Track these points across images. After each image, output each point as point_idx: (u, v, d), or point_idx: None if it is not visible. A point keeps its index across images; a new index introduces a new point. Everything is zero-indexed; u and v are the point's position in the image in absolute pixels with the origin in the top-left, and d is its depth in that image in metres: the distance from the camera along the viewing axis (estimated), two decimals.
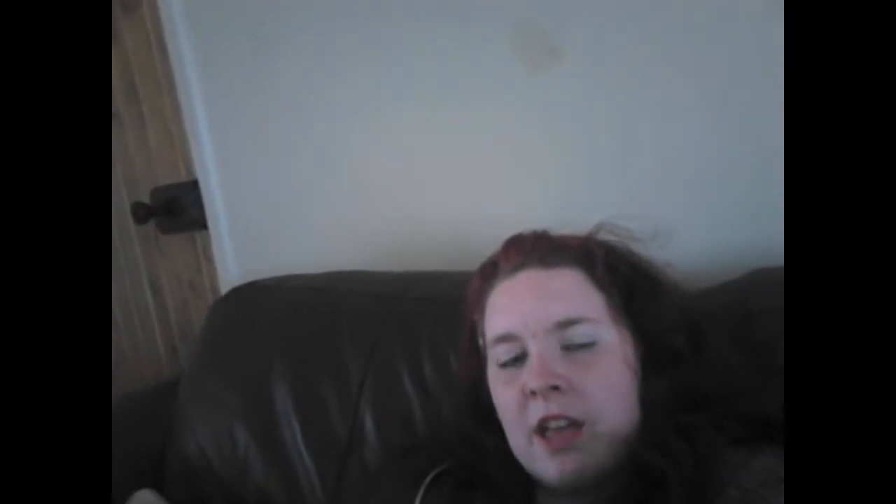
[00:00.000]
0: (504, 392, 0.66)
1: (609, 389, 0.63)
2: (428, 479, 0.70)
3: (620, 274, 0.68)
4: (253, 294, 1.06)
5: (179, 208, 1.32)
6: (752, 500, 0.55)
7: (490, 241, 0.74)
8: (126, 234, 1.41)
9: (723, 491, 0.57)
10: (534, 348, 0.64)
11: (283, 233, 1.17)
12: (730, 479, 0.57)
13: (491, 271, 0.71)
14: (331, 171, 1.11)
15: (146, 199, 1.35)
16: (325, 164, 1.11)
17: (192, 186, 1.28)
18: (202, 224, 1.28)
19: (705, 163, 0.87)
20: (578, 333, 0.64)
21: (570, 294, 0.66)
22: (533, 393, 0.62)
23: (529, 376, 0.63)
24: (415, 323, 0.91)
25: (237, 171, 1.22)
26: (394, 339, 0.91)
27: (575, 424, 0.62)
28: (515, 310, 0.67)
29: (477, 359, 0.71)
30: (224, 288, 1.20)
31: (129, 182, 1.39)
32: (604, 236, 0.72)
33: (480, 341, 0.71)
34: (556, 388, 0.62)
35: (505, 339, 0.67)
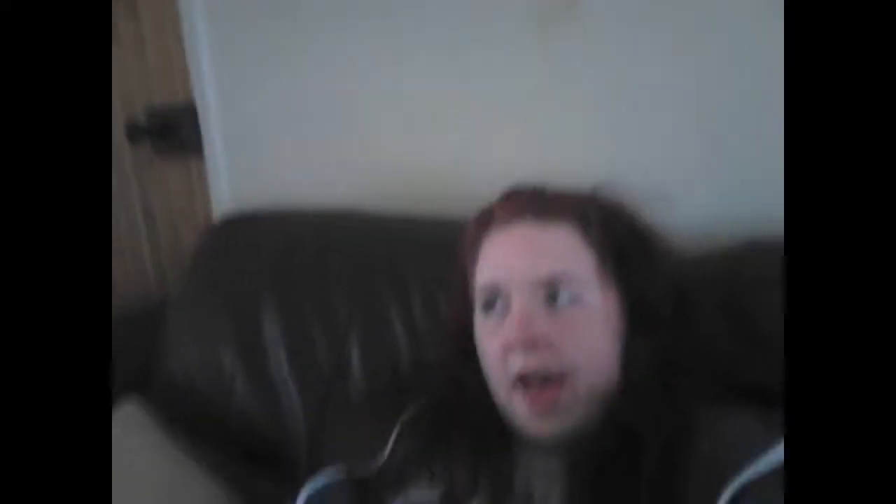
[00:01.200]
0: (488, 341, 0.68)
1: (589, 348, 0.65)
2: (408, 414, 0.72)
3: (615, 235, 0.68)
4: (246, 223, 1.06)
5: (175, 131, 1.30)
6: (723, 455, 0.57)
7: (488, 188, 0.73)
8: (119, 155, 1.39)
9: (696, 447, 0.59)
10: (517, 302, 0.65)
11: (281, 164, 1.16)
12: (704, 435, 0.59)
13: (486, 220, 0.71)
14: (333, 105, 1.09)
15: (141, 120, 1.32)
16: (328, 99, 1.09)
17: (190, 110, 1.26)
18: (198, 149, 1.26)
19: (707, 130, 0.86)
20: (564, 290, 0.65)
21: (561, 251, 0.67)
22: (513, 346, 0.64)
23: (510, 329, 0.64)
24: (407, 265, 0.91)
25: (236, 98, 1.19)
26: (385, 279, 0.91)
27: (554, 378, 0.63)
28: (504, 262, 0.68)
29: (466, 304, 0.72)
30: (218, 216, 1.19)
31: (125, 102, 1.36)
32: (602, 196, 0.72)
33: (470, 288, 0.72)
34: (535, 343, 0.63)
35: (491, 288, 0.67)
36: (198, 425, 0.94)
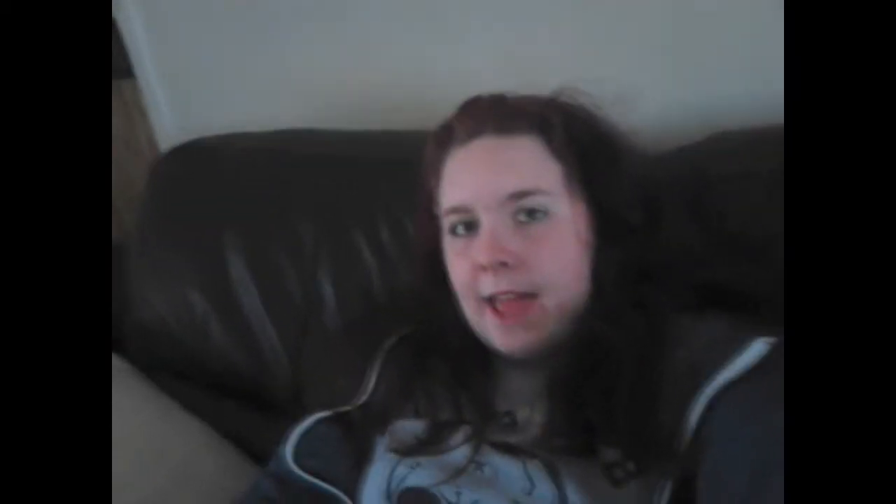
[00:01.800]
0: (457, 262, 0.67)
1: (559, 263, 0.64)
2: (387, 346, 0.72)
3: (579, 143, 0.66)
4: (197, 153, 1.00)
5: None
6: (697, 360, 0.58)
7: (445, 99, 0.70)
8: None
9: (669, 355, 0.60)
10: (485, 222, 0.64)
11: (223, 85, 1.08)
12: (677, 343, 0.60)
13: (446, 136, 0.69)
14: (275, 18, 1.01)
15: None
16: (269, 8, 1.01)
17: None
18: (127, 71, 1.18)
19: (665, 21, 0.83)
20: (531, 206, 0.64)
21: (526, 164, 0.65)
22: (483, 267, 0.63)
23: (479, 250, 0.63)
24: (369, 187, 0.88)
25: (163, 13, 1.10)
26: (349, 204, 0.89)
27: (525, 296, 0.63)
28: (469, 181, 0.66)
29: (433, 226, 0.71)
30: (163, 145, 1.13)
31: None
32: (564, 100, 0.70)
33: (436, 209, 0.70)
34: (505, 263, 0.63)
35: (458, 210, 0.66)
36: (178, 369, 0.93)
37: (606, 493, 0.57)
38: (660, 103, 0.81)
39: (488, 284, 0.63)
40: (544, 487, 0.59)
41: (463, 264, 0.66)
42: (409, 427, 0.66)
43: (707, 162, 0.76)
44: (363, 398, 0.69)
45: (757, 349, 0.57)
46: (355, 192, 0.89)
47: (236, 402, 0.92)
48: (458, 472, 0.61)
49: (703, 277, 0.65)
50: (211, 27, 1.06)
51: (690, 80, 0.84)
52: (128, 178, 1.27)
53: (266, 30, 1.02)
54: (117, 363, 0.93)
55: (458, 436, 0.64)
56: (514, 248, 0.63)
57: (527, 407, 0.64)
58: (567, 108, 0.69)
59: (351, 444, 0.67)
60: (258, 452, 0.84)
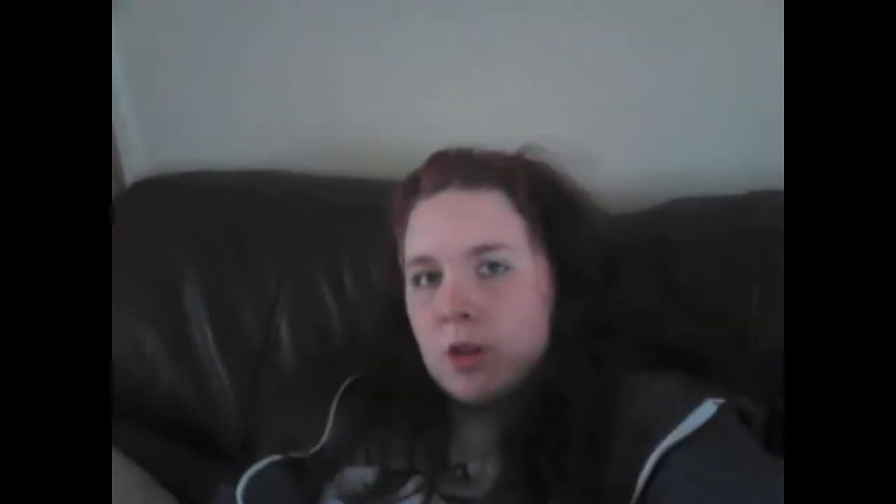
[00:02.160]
0: (419, 313, 0.67)
1: (518, 317, 0.65)
2: (343, 388, 0.71)
3: (542, 199, 0.68)
4: (160, 188, 1.00)
5: None
6: (649, 418, 0.58)
7: (415, 150, 0.71)
8: None
9: (622, 413, 0.60)
10: (449, 274, 0.65)
11: (197, 123, 1.08)
12: (631, 399, 0.61)
13: (413, 187, 0.70)
14: (252, 60, 1.02)
15: None
16: (246, 54, 1.03)
17: None
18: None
19: (634, 86, 0.86)
20: (494, 259, 0.65)
21: (489, 219, 0.66)
22: (445, 318, 0.63)
23: (442, 301, 0.64)
24: (336, 227, 0.89)
25: (143, 52, 1.11)
26: (313, 246, 0.89)
27: (481, 349, 0.64)
28: (433, 232, 0.67)
29: (397, 275, 0.71)
30: (130, 180, 1.12)
31: None
32: (529, 157, 0.72)
33: (400, 259, 0.70)
34: (466, 315, 0.63)
35: (421, 260, 0.67)
36: (121, 407, 0.90)
37: None
38: (622, 167, 0.84)
39: (449, 335, 0.64)
40: None
41: (425, 315, 0.66)
42: (360, 474, 0.65)
43: (666, 226, 0.78)
44: (317, 445, 0.67)
45: (706, 410, 0.57)
46: (321, 236, 0.89)
47: (182, 445, 0.89)
48: None
49: (659, 337, 0.67)
50: (188, 66, 1.07)
51: (653, 145, 0.87)
52: None
53: (244, 72, 1.04)
54: None
55: (409, 486, 0.63)
56: (475, 300, 0.64)
57: (480, 460, 0.64)
58: (532, 165, 0.71)
59: (300, 490, 0.66)
60: (196, 499, 0.81)
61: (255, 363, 0.88)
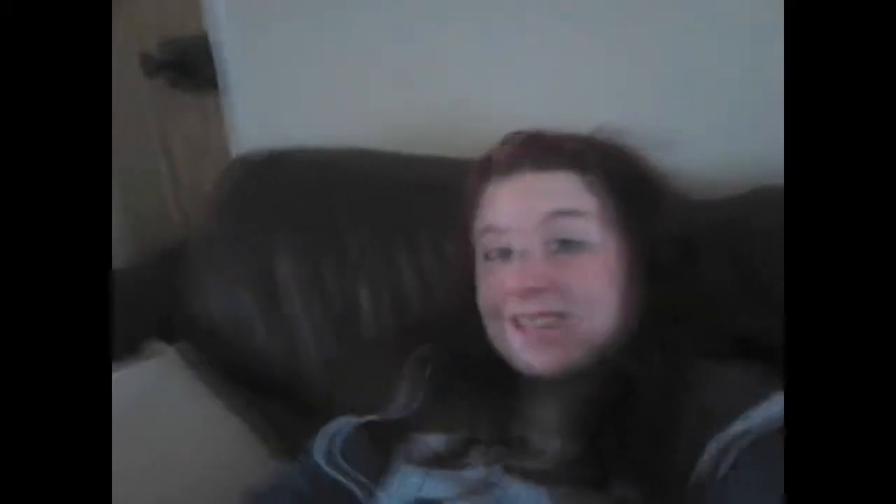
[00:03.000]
0: (486, 284, 0.68)
1: (589, 294, 0.64)
2: (415, 357, 0.74)
3: (616, 180, 0.67)
4: (261, 163, 1.06)
5: (190, 65, 1.29)
6: (717, 406, 0.58)
7: (494, 129, 0.73)
8: (134, 88, 1.37)
9: (689, 399, 0.60)
10: (518, 248, 0.65)
11: (301, 100, 1.15)
12: (700, 387, 0.60)
13: (486, 168, 0.71)
14: (354, 44, 1.07)
15: (154, 52, 1.31)
16: (349, 37, 1.07)
17: (202, 41, 1.24)
18: (214, 84, 1.25)
19: (715, 73, 0.84)
20: (568, 227, 0.65)
21: (561, 196, 0.66)
22: (512, 292, 0.64)
23: (510, 275, 0.64)
24: (414, 207, 0.92)
25: (252, 32, 1.17)
26: (393, 221, 0.93)
27: (553, 315, 0.64)
28: (504, 210, 0.67)
29: (469, 254, 0.72)
30: (236, 154, 1.19)
31: (138, 35, 1.34)
32: (602, 138, 0.70)
33: (472, 237, 0.72)
34: (534, 291, 0.64)
35: (493, 229, 0.67)
36: (219, 364, 0.98)
37: None
38: (706, 152, 0.81)
39: (516, 306, 0.65)
40: None
41: (492, 286, 0.67)
42: (429, 441, 0.68)
43: (747, 213, 0.75)
44: (390, 409, 0.71)
45: (776, 403, 0.56)
46: (400, 211, 0.93)
47: (272, 401, 0.96)
48: (470, 490, 0.62)
49: (735, 327, 0.65)
50: (296, 49, 1.13)
51: (739, 132, 0.84)
52: (202, 183, 1.35)
53: (345, 54, 1.08)
54: (171, 354, 0.98)
55: (475, 454, 0.65)
56: (544, 276, 0.64)
57: (543, 434, 0.65)
58: (605, 147, 0.70)
59: (374, 452, 0.69)
60: (284, 449, 0.87)
61: (336, 328, 0.93)
